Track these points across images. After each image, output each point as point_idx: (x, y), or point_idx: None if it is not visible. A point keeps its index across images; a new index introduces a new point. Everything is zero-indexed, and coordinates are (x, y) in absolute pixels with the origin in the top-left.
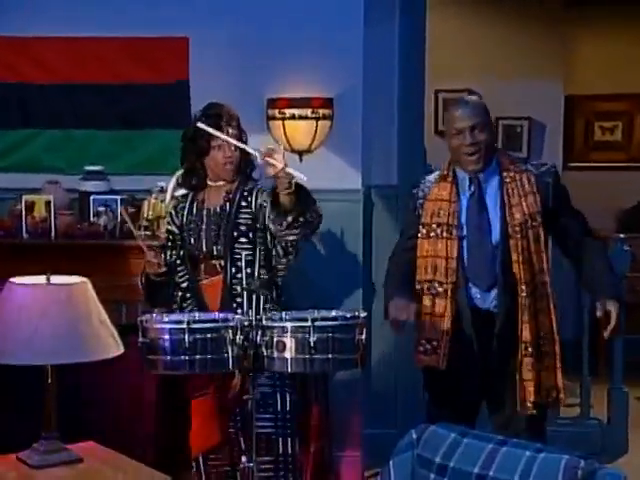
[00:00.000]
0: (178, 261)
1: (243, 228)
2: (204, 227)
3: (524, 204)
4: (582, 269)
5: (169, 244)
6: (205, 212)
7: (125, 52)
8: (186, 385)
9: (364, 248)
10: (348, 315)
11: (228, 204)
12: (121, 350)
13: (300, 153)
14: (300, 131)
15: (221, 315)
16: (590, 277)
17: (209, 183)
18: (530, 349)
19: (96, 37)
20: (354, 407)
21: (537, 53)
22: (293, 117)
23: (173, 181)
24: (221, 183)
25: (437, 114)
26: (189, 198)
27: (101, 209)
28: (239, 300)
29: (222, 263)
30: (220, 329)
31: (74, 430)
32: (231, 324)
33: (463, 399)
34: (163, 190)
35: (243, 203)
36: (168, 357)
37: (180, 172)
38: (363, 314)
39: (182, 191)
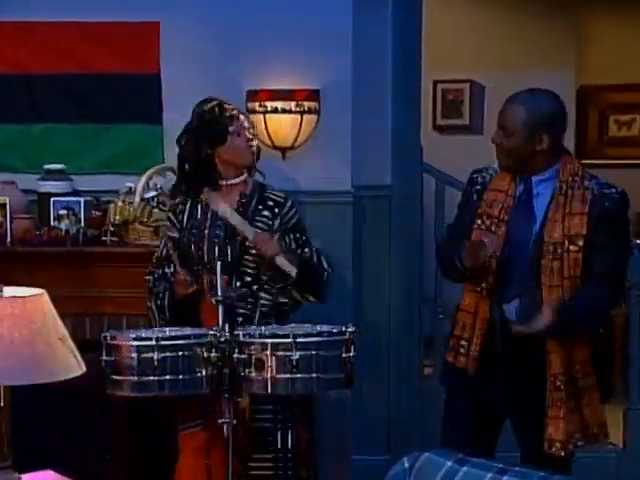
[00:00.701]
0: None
1: None
2: (206, 232)
3: (568, 223)
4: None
5: (170, 253)
6: (210, 214)
7: (89, 39)
8: (170, 416)
9: (354, 255)
10: (334, 330)
11: (242, 208)
12: (83, 369)
13: (283, 150)
14: (283, 126)
15: (194, 331)
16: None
17: (223, 182)
18: (559, 383)
19: (55, 22)
20: (342, 431)
21: (546, 39)
22: (275, 111)
23: (143, 181)
24: (236, 181)
25: (435, 107)
26: (187, 196)
27: (62, 212)
28: (240, 320)
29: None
30: (192, 346)
31: (31, 458)
32: (205, 340)
33: (486, 413)
34: (131, 191)
35: (265, 212)
36: (135, 377)
37: (152, 172)
38: (350, 329)
39: (152, 193)
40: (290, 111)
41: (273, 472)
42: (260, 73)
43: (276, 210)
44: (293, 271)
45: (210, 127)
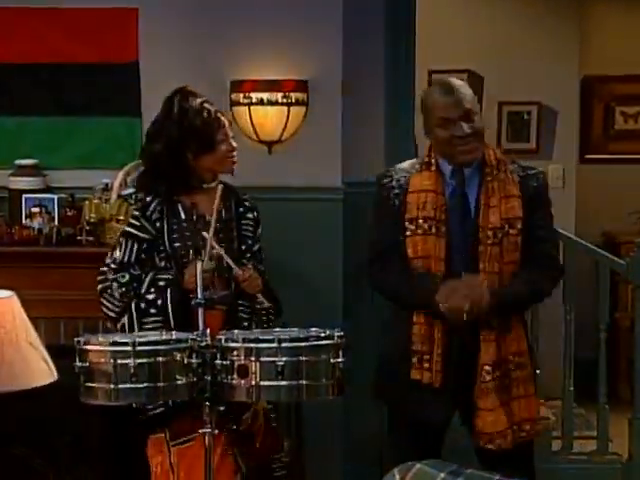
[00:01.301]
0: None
1: (250, 241)
2: (199, 238)
3: (504, 207)
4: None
5: (140, 255)
6: (196, 219)
7: (62, 26)
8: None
9: (345, 255)
10: (322, 335)
11: (226, 212)
12: (55, 377)
13: (269, 145)
14: (269, 119)
15: (173, 335)
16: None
17: (201, 185)
18: (493, 374)
19: (27, 8)
20: (332, 440)
21: (547, 27)
22: (261, 102)
23: (120, 177)
24: (213, 184)
25: None
26: (162, 197)
27: (35, 210)
28: (245, 324)
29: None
30: (171, 352)
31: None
32: (184, 346)
33: (438, 425)
34: (108, 188)
35: (249, 215)
36: (110, 385)
37: (129, 167)
38: (339, 333)
39: (130, 190)
40: (276, 103)
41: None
42: (245, 62)
43: (255, 214)
44: (265, 304)
45: (197, 135)
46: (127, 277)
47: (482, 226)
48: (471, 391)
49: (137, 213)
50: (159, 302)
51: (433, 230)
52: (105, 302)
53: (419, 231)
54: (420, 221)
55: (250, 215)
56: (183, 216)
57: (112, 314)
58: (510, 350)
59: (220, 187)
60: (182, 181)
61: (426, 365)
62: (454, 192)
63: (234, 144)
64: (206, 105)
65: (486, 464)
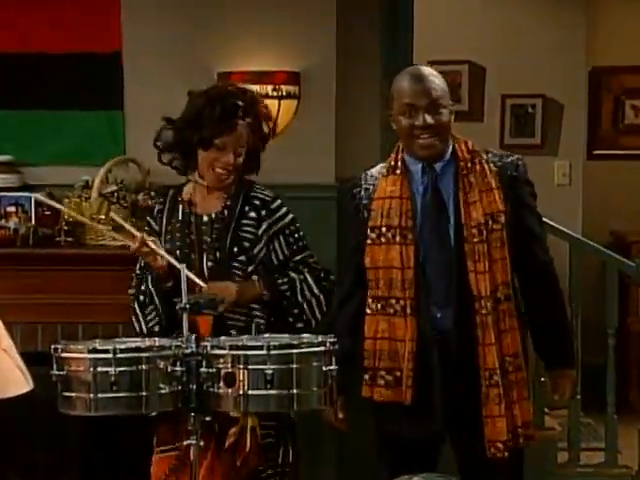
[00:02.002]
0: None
1: (246, 244)
2: (193, 238)
3: (485, 201)
4: (536, 322)
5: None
6: (194, 219)
7: (40, 14)
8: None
9: (338, 258)
10: (313, 341)
11: (227, 213)
12: (30, 386)
13: None
14: None
15: (157, 342)
16: (545, 340)
17: (200, 180)
18: (496, 378)
19: None
20: (326, 451)
21: (553, 15)
22: None
23: (101, 174)
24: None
25: None
26: (169, 196)
27: (11, 209)
28: (234, 333)
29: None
30: (154, 359)
31: None
32: (168, 353)
33: (424, 442)
34: (88, 186)
35: (252, 214)
36: (90, 395)
37: (111, 164)
38: (331, 339)
39: (112, 187)
40: (267, 96)
41: None
42: (233, 53)
43: (263, 212)
44: (265, 296)
45: (197, 124)
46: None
47: (465, 224)
48: (473, 399)
49: (147, 216)
50: (147, 290)
51: (398, 239)
52: (131, 307)
53: (382, 239)
54: (383, 229)
55: (253, 214)
56: (180, 217)
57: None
58: (508, 352)
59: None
60: (191, 167)
61: (381, 382)
62: (426, 190)
63: (231, 160)
64: (233, 109)
65: (472, 475)
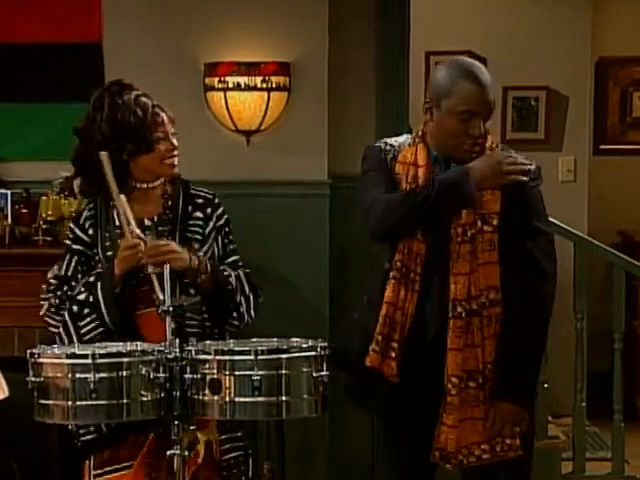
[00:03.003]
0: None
1: (196, 245)
2: None
3: (479, 200)
4: (501, 341)
5: (78, 269)
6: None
7: (16, 2)
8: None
9: (331, 256)
10: (303, 346)
11: (170, 214)
12: (5, 393)
13: (247, 134)
14: (247, 106)
15: (138, 347)
16: (503, 362)
17: (137, 185)
18: (455, 388)
19: None
20: (316, 464)
21: (557, 3)
22: (238, 87)
23: None
24: (155, 184)
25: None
26: (98, 203)
27: None
28: (193, 340)
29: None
30: (136, 365)
31: None
32: (150, 358)
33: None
34: (68, 182)
35: (197, 214)
36: (68, 402)
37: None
38: (322, 344)
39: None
40: (255, 88)
41: None
42: (220, 42)
43: (208, 210)
44: (205, 276)
45: (132, 135)
46: (60, 295)
47: (452, 222)
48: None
49: (71, 223)
50: (91, 299)
51: None
52: (51, 321)
53: None
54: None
55: (199, 214)
56: (117, 222)
57: (54, 329)
58: (491, 360)
59: (161, 183)
60: (118, 183)
61: (393, 354)
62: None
63: (175, 142)
64: (142, 100)
65: None
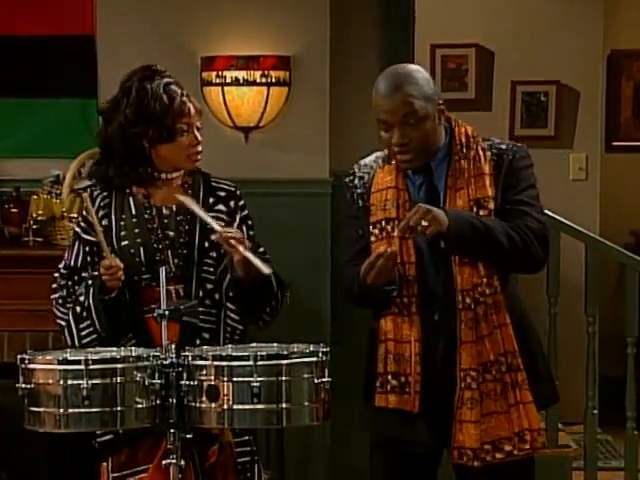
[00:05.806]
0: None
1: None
2: (158, 233)
3: (472, 187)
4: None
5: (87, 259)
6: (153, 212)
7: None
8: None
9: (333, 256)
10: (304, 351)
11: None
12: None
13: (246, 131)
14: (246, 101)
15: (133, 352)
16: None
17: (156, 175)
18: (469, 380)
19: None
20: (316, 472)
21: None
22: (236, 82)
23: (73, 168)
24: (175, 175)
25: (434, 77)
26: (114, 191)
27: None
28: (206, 336)
29: (178, 287)
30: (130, 371)
31: None
32: (145, 364)
33: (421, 450)
34: (59, 181)
35: (220, 207)
36: (59, 410)
37: (84, 156)
38: (324, 349)
39: (85, 183)
40: (254, 83)
41: None
42: (218, 36)
43: (231, 203)
44: (267, 269)
45: (155, 121)
46: (70, 285)
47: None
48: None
49: (83, 211)
50: (86, 303)
51: (397, 233)
52: (57, 312)
53: (384, 234)
54: (383, 223)
55: (222, 207)
56: (134, 211)
57: (61, 323)
58: (500, 350)
59: (179, 177)
60: (136, 170)
61: (395, 388)
62: (422, 185)
63: (199, 137)
64: (172, 88)
65: None
